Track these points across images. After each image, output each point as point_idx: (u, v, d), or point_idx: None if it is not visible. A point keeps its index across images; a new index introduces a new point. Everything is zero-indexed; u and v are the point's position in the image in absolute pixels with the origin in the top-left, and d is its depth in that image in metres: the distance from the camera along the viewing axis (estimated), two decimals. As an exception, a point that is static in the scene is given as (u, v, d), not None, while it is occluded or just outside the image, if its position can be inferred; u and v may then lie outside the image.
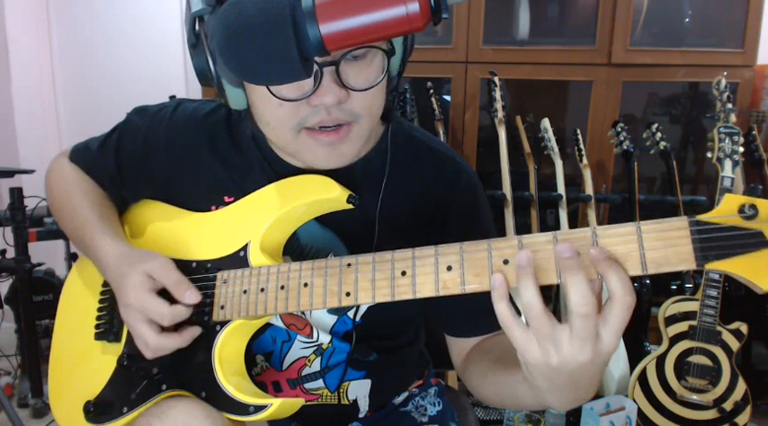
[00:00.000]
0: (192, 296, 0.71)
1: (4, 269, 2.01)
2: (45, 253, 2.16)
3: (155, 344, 0.70)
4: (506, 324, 0.54)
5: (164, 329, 0.71)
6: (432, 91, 2.18)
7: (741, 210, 0.49)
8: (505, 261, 0.56)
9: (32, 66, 2.61)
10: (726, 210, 0.50)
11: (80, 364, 0.85)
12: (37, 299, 2.10)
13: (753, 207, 0.48)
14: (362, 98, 0.68)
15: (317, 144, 0.70)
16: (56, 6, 2.65)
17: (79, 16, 2.64)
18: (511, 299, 0.55)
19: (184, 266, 0.78)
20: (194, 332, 0.72)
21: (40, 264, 2.03)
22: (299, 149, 0.72)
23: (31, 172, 2.01)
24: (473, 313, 0.82)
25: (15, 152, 2.55)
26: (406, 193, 0.83)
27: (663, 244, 0.51)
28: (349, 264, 0.65)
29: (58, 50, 2.69)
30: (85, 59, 2.67)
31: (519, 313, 0.54)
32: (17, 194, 1.89)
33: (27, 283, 1.95)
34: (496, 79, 2.09)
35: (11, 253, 1.97)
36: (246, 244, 0.75)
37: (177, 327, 0.72)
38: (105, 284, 0.86)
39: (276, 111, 0.68)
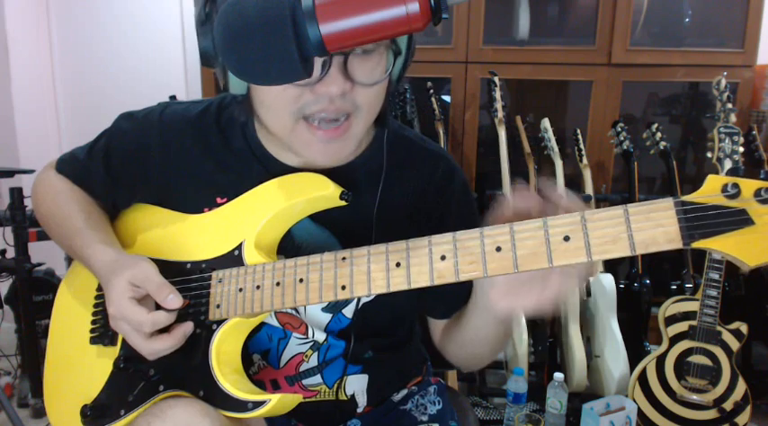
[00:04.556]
0: (173, 301, 0.71)
1: (4, 269, 2.00)
2: (45, 253, 2.16)
3: (147, 350, 0.71)
4: None
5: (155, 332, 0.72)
6: (432, 91, 2.19)
7: (724, 189, 0.50)
8: (498, 248, 0.57)
9: (32, 66, 2.61)
10: (709, 190, 0.51)
11: (76, 368, 0.85)
12: (37, 299, 2.09)
13: (735, 186, 0.50)
14: (365, 93, 0.69)
15: (313, 139, 0.70)
16: (56, 6, 2.65)
17: (79, 16, 2.64)
18: None
19: (179, 267, 0.78)
20: (186, 329, 0.72)
21: (40, 264, 2.02)
22: (295, 141, 0.72)
23: (31, 172, 2.00)
24: (453, 298, 0.85)
25: (15, 152, 2.54)
26: (401, 192, 0.83)
27: (650, 224, 0.52)
28: (344, 258, 0.65)
29: (58, 50, 2.69)
30: (85, 59, 2.67)
31: None
32: (17, 194, 1.89)
33: (27, 283, 1.95)
34: (496, 79, 2.09)
35: (11, 253, 1.96)
36: (241, 243, 0.75)
37: (169, 327, 0.72)
38: (99, 288, 0.86)
39: (279, 96, 0.68)
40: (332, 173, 0.78)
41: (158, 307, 0.72)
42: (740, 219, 0.49)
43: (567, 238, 0.55)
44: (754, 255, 0.49)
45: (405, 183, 0.84)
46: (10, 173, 1.97)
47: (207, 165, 0.83)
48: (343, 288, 0.64)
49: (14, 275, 2.01)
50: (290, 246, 0.81)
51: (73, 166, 0.93)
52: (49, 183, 0.92)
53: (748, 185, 0.49)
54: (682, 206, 0.51)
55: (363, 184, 0.81)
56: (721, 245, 0.50)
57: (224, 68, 0.69)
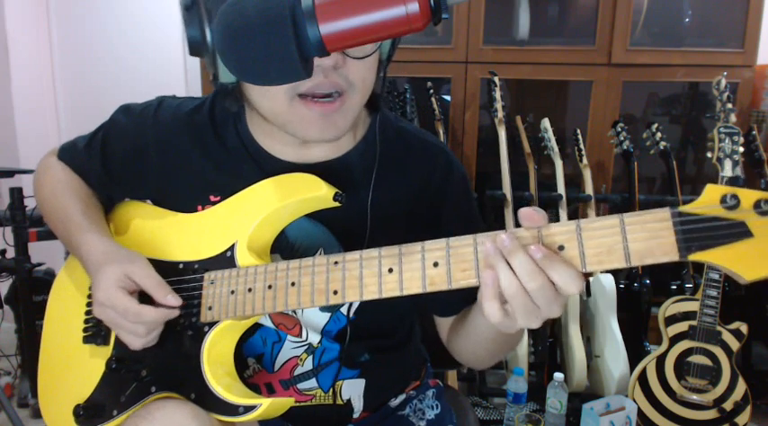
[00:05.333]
0: (173, 299, 0.72)
1: (4, 269, 2.01)
2: (45, 253, 2.16)
3: (137, 330, 0.71)
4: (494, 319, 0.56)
5: None
6: (432, 91, 2.18)
7: (723, 200, 0.48)
8: None
9: (32, 67, 2.61)
10: (708, 201, 0.49)
11: (69, 368, 0.85)
12: (37, 299, 2.09)
13: (734, 197, 0.48)
14: (358, 67, 0.69)
15: (311, 114, 0.70)
16: (56, 6, 2.65)
17: (79, 16, 2.64)
18: None
19: (171, 267, 0.78)
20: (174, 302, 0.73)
21: (40, 264, 2.02)
22: (292, 119, 0.71)
23: (31, 172, 2.00)
24: (452, 296, 0.84)
25: (15, 152, 2.55)
26: (399, 185, 0.83)
27: (646, 235, 0.51)
28: (336, 262, 0.65)
29: (58, 50, 2.69)
30: (85, 59, 2.67)
31: None
32: (17, 194, 1.89)
33: (27, 283, 1.95)
34: (496, 79, 2.09)
35: (11, 253, 1.97)
36: (233, 245, 0.74)
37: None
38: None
39: None
40: (328, 168, 0.77)
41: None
42: (739, 232, 0.47)
43: (561, 247, 0.54)
44: (751, 269, 0.47)
45: (404, 176, 0.83)
46: (10, 173, 1.97)
47: (201, 164, 0.83)
48: (335, 292, 0.64)
49: (14, 275, 2.01)
50: (284, 245, 0.81)
51: (72, 156, 0.94)
52: (50, 171, 0.93)
53: (748, 196, 0.48)
54: (679, 217, 0.49)
55: (359, 179, 0.81)
56: (718, 258, 0.48)
57: (213, 57, 0.66)
